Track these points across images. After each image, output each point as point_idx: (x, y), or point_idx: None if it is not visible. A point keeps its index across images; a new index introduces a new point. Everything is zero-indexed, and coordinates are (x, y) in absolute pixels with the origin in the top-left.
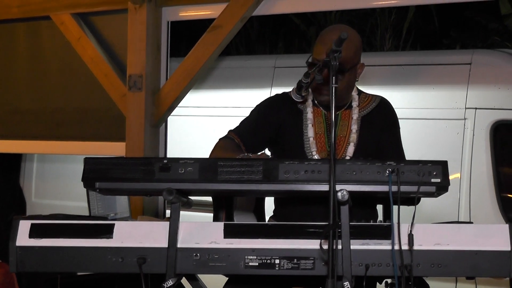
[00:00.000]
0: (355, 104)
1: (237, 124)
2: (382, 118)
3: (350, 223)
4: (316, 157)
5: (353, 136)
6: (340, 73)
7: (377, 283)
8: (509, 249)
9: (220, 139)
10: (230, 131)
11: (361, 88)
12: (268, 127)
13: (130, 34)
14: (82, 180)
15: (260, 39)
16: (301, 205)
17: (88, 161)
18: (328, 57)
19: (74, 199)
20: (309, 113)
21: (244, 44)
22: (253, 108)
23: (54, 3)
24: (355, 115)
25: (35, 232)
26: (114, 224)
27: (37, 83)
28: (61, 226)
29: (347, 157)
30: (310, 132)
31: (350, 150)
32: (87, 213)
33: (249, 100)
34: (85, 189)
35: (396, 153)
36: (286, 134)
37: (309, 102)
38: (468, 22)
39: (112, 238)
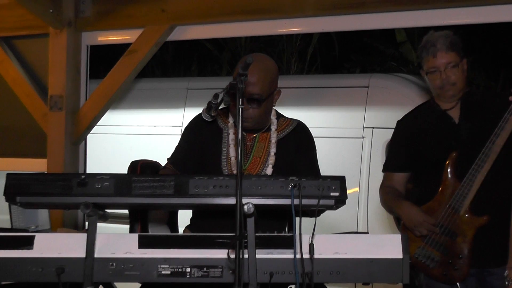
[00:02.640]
0: (273, 128)
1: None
2: (298, 141)
3: (256, 234)
4: None
5: (272, 159)
6: (258, 102)
7: None
8: (401, 257)
9: (161, 169)
10: (167, 160)
11: None
12: (194, 150)
13: (51, 57)
14: (4, 194)
15: (175, 62)
16: (214, 217)
17: (9, 177)
18: (235, 80)
19: None
20: (231, 134)
21: (160, 67)
22: (182, 133)
23: None
24: (273, 138)
25: None
26: (34, 236)
27: None
28: None
29: None
30: (231, 152)
31: (269, 171)
32: (9, 226)
33: (163, 120)
34: (6, 202)
35: (312, 173)
36: (206, 152)
37: (231, 123)
38: (367, 48)
39: (32, 249)
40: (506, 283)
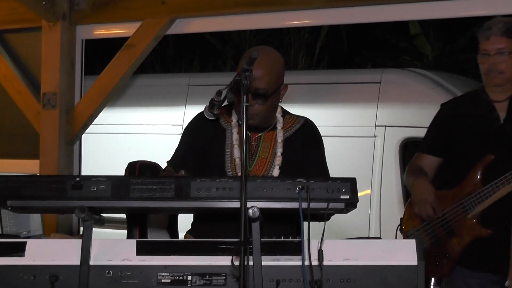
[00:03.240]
0: (279, 126)
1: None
2: (305, 139)
3: (261, 239)
4: None
5: (278, 159)
6: (263, 97)
7: None
8: (416, 263)
9: (160, 172)
10: (167, 162)
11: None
12: (195, 151)
13: (44, 52)
14: None
15: (175, 57)
16: (217, 221)
17: (0, 179)
18: (239, 76)
19: None
20: (235, 134)
21: (160, 63)
22: (181, 134)
23: None
24: (279, 138)
25: None
26: (26, 242)
27: None
28: None
29: None
30: (236, 153)
31: (275, 173)
32: None
33: (163, 118)
34: None
35: (320, 172)
36: (208, 154)
37: (235, 122)
38: (378, 41)
39: (24, 256)
40: None
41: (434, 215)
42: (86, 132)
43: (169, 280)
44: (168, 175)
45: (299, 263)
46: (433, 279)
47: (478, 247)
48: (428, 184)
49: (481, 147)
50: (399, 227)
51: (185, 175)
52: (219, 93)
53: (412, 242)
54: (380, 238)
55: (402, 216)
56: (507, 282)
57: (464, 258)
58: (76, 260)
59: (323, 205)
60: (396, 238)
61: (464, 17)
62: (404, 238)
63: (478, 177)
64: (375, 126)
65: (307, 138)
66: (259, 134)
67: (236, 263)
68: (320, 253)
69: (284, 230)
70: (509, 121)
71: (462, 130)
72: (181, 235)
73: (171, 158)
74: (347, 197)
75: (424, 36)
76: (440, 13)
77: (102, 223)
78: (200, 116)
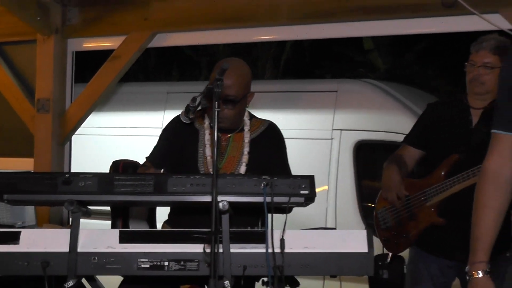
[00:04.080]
0: (246, 128)
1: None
2: (270, 140)
3: (230, 230)
4: None
5: (245, 157)
6: (233, 103)
7: (256, 282)
8: (367, 251)
9: (139, 167)
10: (146, 158)
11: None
12: (171, 149)
13: (38, 62)
14: None
15: (156, 68)
16: (191, 213)
17: None
18: (212, 85)
19: None
20: (207, 135)
21: (142, 72)
22: (160, 134)
23: None
24: (246, 138)
25: None
26: (20, 232)
27: None
28: None
29: None
30: (207, 151)
31: (242, 169)
32: None
33: (144, 122)
34: None
35: (283, 170)
36: (183, 152)
37: (207, 125)
38: (336, 55)
39: (18, 244)
40: (467, 278)
41: (397, 200)
42: (76, 134)
43: (148, 266)
44: (147, 172)
45: (264, 250)
46: (390, 254)
47: (434, 233)
48: (396, 173)
49: (451, 146)
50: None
51: (163, 173)
52: (194, 99)
53: (363, 232)
54: (335, 228)
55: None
56: (467, 267)
57: (422, 242)
58: (65, 248)
59: (285, 199)
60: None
61: (411, 34)
62: (375, 215)
63: (443, 172)
64: (332, 129)
65: (271, 139)
66: (229, 135)
67: (208, 250)
68: (282, 241)
69: (250, 222)
70: (479, 127)
71: (439, 129)
72: (159, 226)
73: (150, 154)
74: (306, 192)
75: (376, 51)
76: (390, 30)
77: (89, 214)
78: (177, 119)
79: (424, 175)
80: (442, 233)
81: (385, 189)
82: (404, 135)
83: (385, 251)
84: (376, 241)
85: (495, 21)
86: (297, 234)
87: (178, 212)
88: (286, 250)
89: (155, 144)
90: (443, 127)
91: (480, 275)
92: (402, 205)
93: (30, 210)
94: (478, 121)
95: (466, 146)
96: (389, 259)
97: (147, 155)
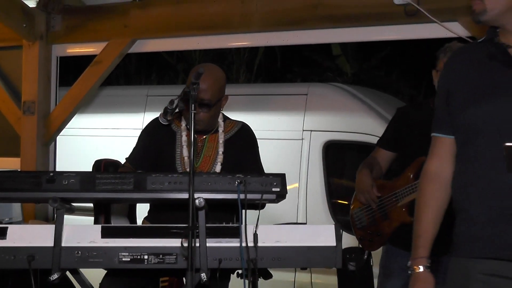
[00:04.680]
0: (220, 129)
1: (120, 144)
2: (243, 140)
3: (206, 225)
4: None
5: (220, 157)
6: (208, 106)
7: (231, 274)
8: (334, 244)
9: (119, 168)
10: (126, 159)
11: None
12: (150, 150)
13: (24, 66)
14: None
15: (136, 72)
16: (169, 209)
17: None
18: (188, 88)
19: None
20: (184, 136)
21: (123, 76)
22: (139, 135)
23: None
24: (221, 139)
25: None
26: (7, 227)
27: None
28: None
29: None
30: (184, 152)
31: (218, 168)
32: None
33: (125, 123)
34: None
35: (255, 169)
36: (161, 153)
37: (184, 127)
38: (306, 60)
39: (5, 239)
40: (409, 272)
41: (371, 201)
42: (60, 134)
43: (129, 259)
44: (127, 171)
45: (238, 244)
46: (366, 251)
47: (406, 231)
48: (368, 175)
49: (418, 148)
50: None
51: (142, 171)
52: (171, 102)
53: (331, 227)
54: (305, 223)
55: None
56: (409, 262)
57: (396, 239)
58: (50, 243)
59: (257, 196)
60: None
61: (376, 41)
62: (351, 215)
63: (411, 174)
64: (303, 130)
65: (244, 139)
66: (204, 136)
67: (185, 244)
68: (255, 236)
69: (225, 217)
70: None
71: (408, 132)
72: (139, 221)
73: (130, 155)
74: (278, 189)
75: (344, 56)
76: (357, 37)
77: (72, 211)
78: (155, 121)
79: (395, 177)
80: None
81: (358, 192)
82: (370, 136)
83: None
84: (351, 237)
85: (454, 29)
86: (269, 229)
87: (157, 209)
88: (259, 244)
89: (134, 145)
90: (411, 129)
91: (421, 269)
92: (376, 206)
93: (16, 207)
94: None
95: None
96: (366, 256)
97: (127, 156)
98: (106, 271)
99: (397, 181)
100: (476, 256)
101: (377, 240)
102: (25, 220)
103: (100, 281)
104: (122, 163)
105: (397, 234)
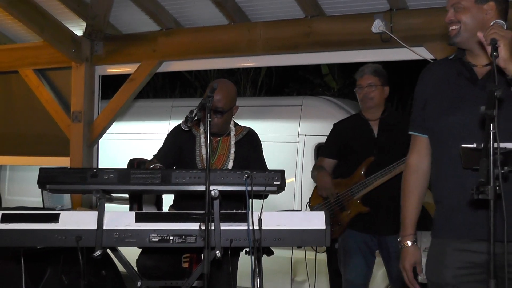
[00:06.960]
0: (232, 133)
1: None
2: (250, 142)
3: (220, 212)
4: None
5: (232, 155)
6: (221, 113)
7: (240, 252)
8: (324, 227)
9: (147, 162)
10: (153, 155)
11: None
12: (173, 149)
13: (73, 83)
14: (38, 183)
15: (163, 87)
16: (190, 199)
17: (42, 170)
18: (204, 100)
19: (33, 196)
20: (202, 139)
21: (152, 91)
22: (165, 137)
23: (20, 62)
24: (232, 141)
25: (5, 219)
26: (59, 213)
27: (8, 116)
28: (23, 215)
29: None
30: (203, 151)
31: (230, 164)
32: (41, 206)
33: (154, 129)
34: (40, 189)
35: (260, 166)
36: (184, 152)
37: (202, 131)
38: (301, 78)
39: (58, 222)
40: (400, 247)
41: (331, 196)
42: (101, 138)
43: (157, 239)
44: (156, 168)
45: (246, 227)
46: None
47: (361, 218)
48: (327, 175)
49: (364, 151)
50: (308, 203)
51: (164, 167)
52: (191, 111)
53: (322, 213)
54: (300, 210)
55: (310, 196)
56: (399, 239)
57: (353, 225)
58: (94, 226)
59: (262, 188)
60: (306, 210)
61: (357, 62)
62: (311, 211)
63: (362, 172)
64: (298, 135)
65: (251, 141)
66: (218, 138)
67: (203, 227)
68: (260, 220)
69: (235, 205)
70: (380, 135)
71: (350, 139)
72: (165, 209)
73: (157, 152)
74: (278, 183)
75: (331, 75)
76: (341, 59)
77: (112, 200)
78: (178, 127)
79: (347, 175)
80: (367, 217)
81: (320, 189)
82: None
83: None
84: None
85: (420, 53)
86: (271, 215)
87: (180, 198)
88: (263, 227)
89: (161, 145)
90: (353, 137)
91: (409, 244)
92: (334, 200)
93: (67, 197)
94: (378, 130)
95: (376, 150)
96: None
97: (155, 153)
98: (141, 250)
99: (351, 179)
100: (449, 237)
101: (337, 229)
102: (73, 207)
103: (135, 258)
104: (150, 159)
105: (355, 220)
